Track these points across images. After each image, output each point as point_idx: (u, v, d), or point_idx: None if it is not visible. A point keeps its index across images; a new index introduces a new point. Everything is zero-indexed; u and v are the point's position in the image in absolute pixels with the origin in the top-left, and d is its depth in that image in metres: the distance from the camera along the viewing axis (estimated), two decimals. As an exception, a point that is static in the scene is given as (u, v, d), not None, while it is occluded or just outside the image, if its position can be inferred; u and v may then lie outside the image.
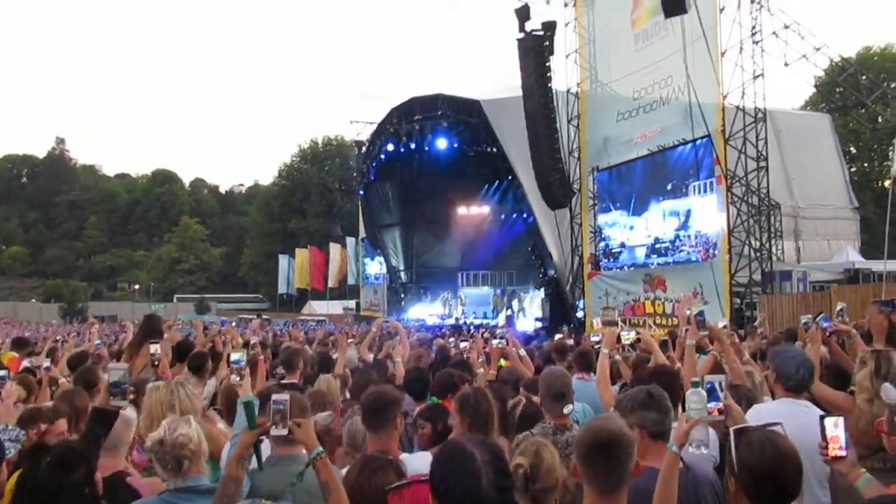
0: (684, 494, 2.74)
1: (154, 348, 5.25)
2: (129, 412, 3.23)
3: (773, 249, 18.22)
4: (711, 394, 2.77)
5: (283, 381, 5.57)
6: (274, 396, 2.89)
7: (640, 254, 20.35)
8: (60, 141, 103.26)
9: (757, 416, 3.37)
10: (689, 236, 18.62)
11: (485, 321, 29.40)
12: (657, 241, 19.73)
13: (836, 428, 2.64)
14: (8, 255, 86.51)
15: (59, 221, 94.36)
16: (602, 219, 21.94)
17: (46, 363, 5.41)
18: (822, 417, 2.71)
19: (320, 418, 3.72)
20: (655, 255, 19.83)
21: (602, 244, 21.82)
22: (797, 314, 11.57)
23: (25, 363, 7.62)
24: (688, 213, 18.55)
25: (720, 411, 2.80)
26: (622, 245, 21.09)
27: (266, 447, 3.10)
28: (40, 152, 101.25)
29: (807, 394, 3.82)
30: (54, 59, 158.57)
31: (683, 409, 2.80)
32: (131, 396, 3.45)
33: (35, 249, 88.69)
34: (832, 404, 3.86)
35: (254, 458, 2.97)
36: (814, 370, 3.86)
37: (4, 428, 3.29)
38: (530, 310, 29.56)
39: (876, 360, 3.57)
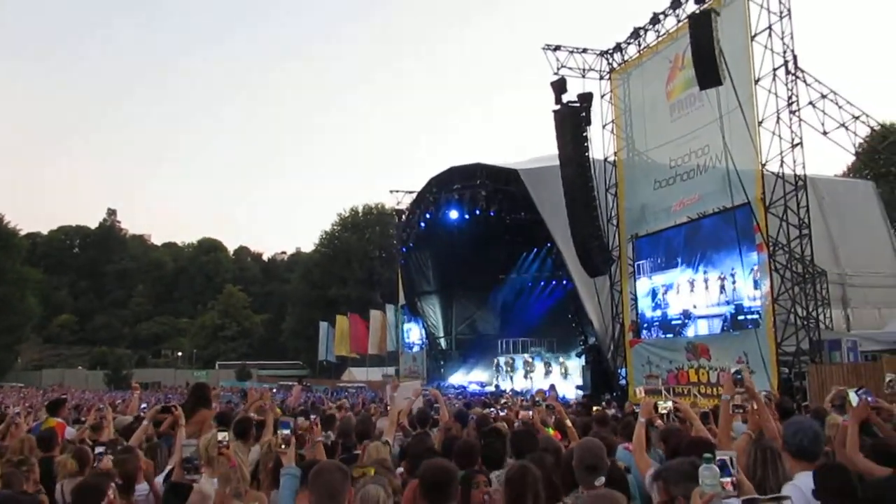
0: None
1: (222, 436, 5.37)
2: (206, 485, 3.28)
3: (821, 318, 17.79)
4: (724, 469, 2.75)
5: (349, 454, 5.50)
6: None
7: (680, 322, 20.18)
8: (112, 212, 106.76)
9: None
10: (729, 303, 18.42)
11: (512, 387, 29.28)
12: (696, 308, 19.59)
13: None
14: (57, 322, 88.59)
15: (107, 290, 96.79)
16: (640, 286, 21.86)
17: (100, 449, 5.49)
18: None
19: None
20: (695, 324, 19.63)
21: (643, 312, 21.69)
22: (849, 384, 11.18)
23: (71, 430, 7.67)
24: (728, 281, 18.38)
25: (733, 486, 2.78)
26: (663, 315, 20.92)
27: None
28: (92, 223, 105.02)
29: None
30: (108, 133, 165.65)
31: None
32: (202, 471, 3.55)
33: (83, 317, 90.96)
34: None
35: None
36: (818, 438, 3.80)
37: None
38: (570, 377, 29.15)
39: None
